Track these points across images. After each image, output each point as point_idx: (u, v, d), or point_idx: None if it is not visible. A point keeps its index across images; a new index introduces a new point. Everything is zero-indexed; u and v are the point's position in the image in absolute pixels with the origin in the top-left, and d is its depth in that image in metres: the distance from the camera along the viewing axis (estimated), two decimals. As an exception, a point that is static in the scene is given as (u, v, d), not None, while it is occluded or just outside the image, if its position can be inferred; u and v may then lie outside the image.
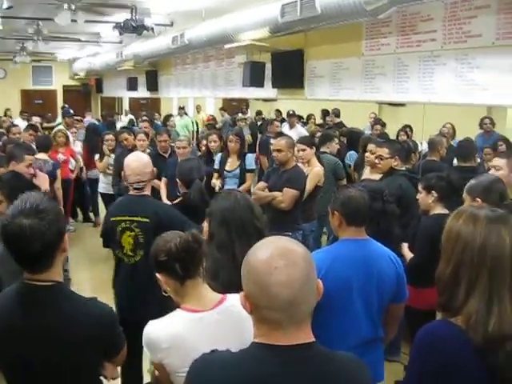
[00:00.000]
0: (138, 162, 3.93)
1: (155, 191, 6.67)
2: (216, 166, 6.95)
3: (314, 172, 6.01)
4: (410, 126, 9.25)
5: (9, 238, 2.13)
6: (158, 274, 2.42)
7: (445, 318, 2.03)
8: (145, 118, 12.17)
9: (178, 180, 4.76)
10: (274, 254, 1.56)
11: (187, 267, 2.33)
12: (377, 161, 5.30)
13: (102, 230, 4.29)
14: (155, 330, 2.30)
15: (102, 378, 2.42)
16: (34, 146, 7.96)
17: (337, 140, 7.27)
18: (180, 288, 2.36)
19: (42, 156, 7.63)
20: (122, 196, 7.58)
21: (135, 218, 3.82)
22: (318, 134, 8.46)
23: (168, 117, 13.49)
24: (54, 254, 2.17)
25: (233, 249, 2.79)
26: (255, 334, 1.63)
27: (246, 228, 2.88)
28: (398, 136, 8.96)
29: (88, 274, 7.45)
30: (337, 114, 11.88)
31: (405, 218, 4.54)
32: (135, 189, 3.88)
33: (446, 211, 4.10)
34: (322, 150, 6.93)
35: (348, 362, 1.70)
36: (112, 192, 8.14)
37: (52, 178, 7.27)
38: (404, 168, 5.37)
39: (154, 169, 4.11)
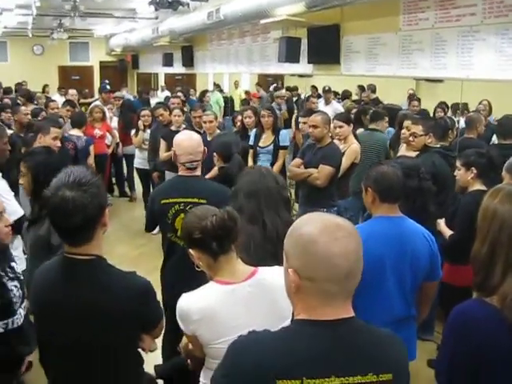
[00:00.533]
0: (189, 140, 3.78)
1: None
2: (251, 143, 6.97)
3: (352, 149, 5.97)
4: (445, 103, 9.10)
5: (52, 210, 2.17)
6: (190, 250, 2.45)
7: (479, 298, 2.02)
8: (179, 93, 12.19)
9: (215, 154, 4.65)
10: (330, 226, 1.56)
11: (223, 244, 2.36)
12: (411, 138, 5.25)
13: (147, 214, 4.14)
14: (188, 302, 2.34)
15: (140, 350, 2.46)
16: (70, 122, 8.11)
17: (387, 118, 7.16)
18: (213, 263, 2.40)
19: (75, 132, 7.75)
20: (158, 171, 7.77)
21: (190, 200, 3.64)
22: (354, 111, 8.38)
23: (204, 92, 13.49)
24: (94, 227, 2.21)
25: (262, 218, 2.81)
26: (298, 311, 1.62)
27: (274, 196, 2.92)
28: (434, 113, 8.84)
29: (125, 247, 7.55)
30: (373, 89, 11.74)
31: (441, 195, 4.50)
32: (188, 168, 3.73)
33: (484, 188, 4.04)
34: (371, 127, 6.89)
35: (385, 338, 1.70)
36: (148, 167, 8.23)
37: (85, 153, 7.41)
38: (439, 145, 5.29)
39: (205, 148, 3.91)
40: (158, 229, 8.32)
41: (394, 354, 1.66)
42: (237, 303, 2.29)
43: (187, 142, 3.78)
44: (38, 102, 11.29)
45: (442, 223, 4.38)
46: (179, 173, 3.85)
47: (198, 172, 3.85)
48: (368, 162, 5.80)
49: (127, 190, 10.51)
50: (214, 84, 15.63)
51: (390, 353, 1.65)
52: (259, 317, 2.23)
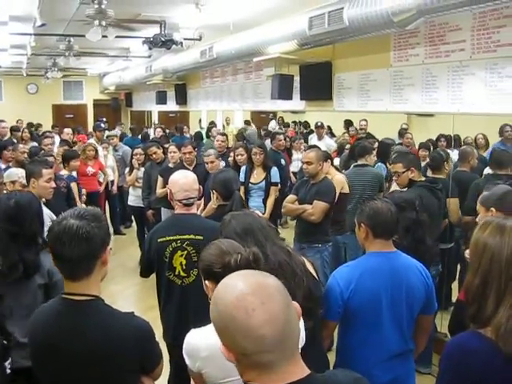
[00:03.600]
0: (185, 178, 3.86)
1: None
2: (241, 179, 6.97)
3: (336, 180, 5.99)
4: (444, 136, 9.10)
5: (54, 238, 2.17)
6: (206, 281, 2.40)
7: (474, 330, 2.02)
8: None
9: (214, 192, 4.58)
10: (246, 296, 1.43)
11: None
12: (394, 178, 5.26)
13: (143, 258, 4.13)
14: (196, 337, 2.32)
15: None
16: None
17: (374, 152, 7.14)
18: None
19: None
20: (152, 209, 7.77)
21: (187, 236, 3.69)
22: (348, 146, 8.43)
23: (211, 128, 13.59)
24: (95, 261, 2.21)
25: (264, 251, 2.73)
26: (244, 379, 1.51)
27: (266, 228, 2.91)
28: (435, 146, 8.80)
29: (119, 285, 7.52)
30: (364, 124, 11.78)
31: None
32: (185, 205, 3.78)
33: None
34: (359, 162, 6.75)
35: None
36: (142, 205, 8.24)
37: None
38: (423, 178, 5.29)
39: (201, 187, 3.98)
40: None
41: None
42: None
43: (183, 179, 3.84)
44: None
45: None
46: (175, 211, 3.87)
47: (194, 209, 3.88)
48: (364, 198, 5.80)
49: (121, 228, 10.56)
50: (199, 121, 15.92)
51: None
52: None
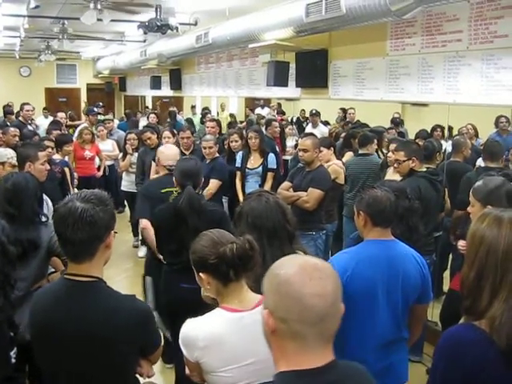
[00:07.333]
0: (170, 150, 5.18)
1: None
2: (238, 165, 7.01)
3: (331, 168, 6.06)
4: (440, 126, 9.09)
5: (59, 219, 2.17)
6: (200, 274, 2.36)
7: (468, 322, 2.03)
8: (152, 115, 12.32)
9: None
10: (307, 267, 1.53)
11: (238, 272, 2.30)
12: (395, 165, 5.27)
13: None
14: (194, 328, 2.29)
15: (137, 375, 2.44)
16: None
17: (376, 141, 7.11)
18: (222, 288, 2.32)
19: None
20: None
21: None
22: (343, 135, 8.39)
23: (205, 114, 13.51)
24: (98, 244, 2.21)
25: (263, 253, 2.71)
26: (278, 359, 1.58)
27: (278, 233, 2.85)
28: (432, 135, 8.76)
29: (111, 270, 7.48)
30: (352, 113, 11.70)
31: (424, 219, 4.51)
32: (169, 170, 4.89)
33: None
34: (361, 152, 6.75)
35: (361, 377, 1.69)
36: (135, 190, 8.20)
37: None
38: (424, 169, 5.30)
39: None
40: (143, 252, 8.29)
41: None
42: (244, 331, 2.23)
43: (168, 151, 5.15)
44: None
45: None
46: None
47: None
48: (365, 187, 5.82)
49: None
50: (192, 106, 15.89)
51: None
52: (266, 346, 2.23)
